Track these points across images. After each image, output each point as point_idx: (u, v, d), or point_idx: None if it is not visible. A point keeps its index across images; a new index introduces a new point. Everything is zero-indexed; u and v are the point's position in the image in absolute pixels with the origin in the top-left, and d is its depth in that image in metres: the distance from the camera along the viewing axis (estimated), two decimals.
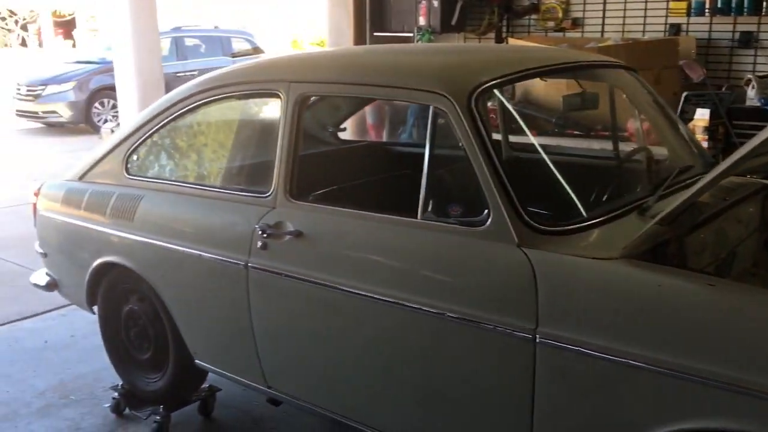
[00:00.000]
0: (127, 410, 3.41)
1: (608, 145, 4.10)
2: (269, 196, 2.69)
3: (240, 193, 2.82)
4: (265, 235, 2.63)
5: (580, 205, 2.30)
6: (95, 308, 3.51)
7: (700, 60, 5.59)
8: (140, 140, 3.24)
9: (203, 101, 3.00)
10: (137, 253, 3.09)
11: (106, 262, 3.24)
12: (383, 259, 2.38)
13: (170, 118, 3.12)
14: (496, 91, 2.37)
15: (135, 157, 3.29)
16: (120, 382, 3.48)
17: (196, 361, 3.08)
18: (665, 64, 5.30)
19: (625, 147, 3.46)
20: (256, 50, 15.02)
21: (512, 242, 2.11)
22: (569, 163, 2.77)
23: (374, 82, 2.48)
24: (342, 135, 4.00)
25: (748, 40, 5.35)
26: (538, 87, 4.70)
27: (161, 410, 3.23)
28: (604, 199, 2.41)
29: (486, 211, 2.18)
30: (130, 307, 3.32)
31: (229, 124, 3.24)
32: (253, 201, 2.75)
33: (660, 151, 2.90)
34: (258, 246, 2.65)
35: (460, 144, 2.24)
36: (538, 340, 1.98)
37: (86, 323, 4.39)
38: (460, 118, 2.23)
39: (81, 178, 3.48)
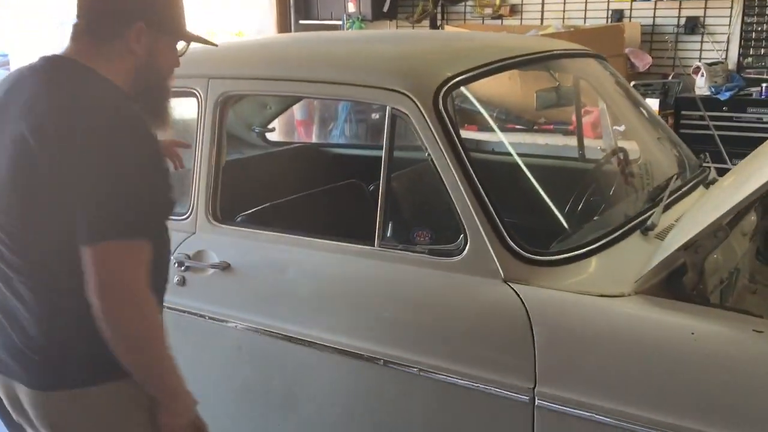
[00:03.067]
0: None
1: (572, 143, 3.76)
2: (186, 218, 2.19)
3: None
4: (182, 268, 2.13)
5: (570, 225, 1.90)
6: None
7: (644, 47, 5.34)
8: None
9: None
10: None
11: None
12: (333, 297, 1.92)
13: None
14: (463, 89, 1.95)
15: None
16: None
17: None
18: (611, 53, 4.99)
19: (593, 145, 3.12)
20: None
21: (496, 276, 1.70)
22: (539, 168, 2.36)
23: (315, 78, 2.00)
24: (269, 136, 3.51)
25: (694, 26, 5.12)
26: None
27: None
28: (594, 215, 2.02)
29: (461, 236, 1.75)
30: None
31: None
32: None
33: (631, 147, 2.55)
34: (175, 281, 2.15)
35: (427, 154, 1.81)
36: (537, 403, 1.57)
37: None
38: (426, 121, 1.80)
39: None
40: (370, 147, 4.63)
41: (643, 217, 1.90)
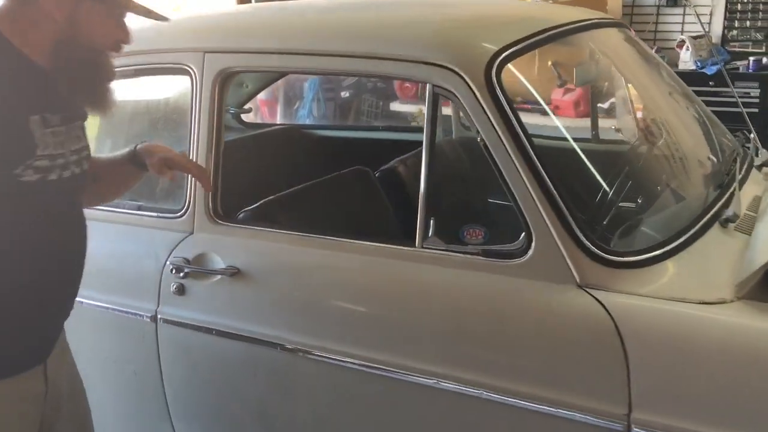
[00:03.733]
0: None
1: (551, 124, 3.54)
2: (182, 216, 1.89)
3: (141, 213, 1.97)
4: (181, 275, 1.83)
5: (646, 221, 1.67)
6: None
7: (625, 20, 5.17)
8: None
9: None
10: None
11: None
12: (367, 307, 1.65)
13: None
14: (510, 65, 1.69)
15: None
16: None
17: None
18: None
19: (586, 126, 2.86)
20: None
21: (569, 280, 1.46)
22: (585, 152, 2.08)
23: (338, 51, 1.70)
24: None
25: None
26: None
27: None
28: (654, 205, 1.80)
29: (524, 234, 1.50)
30: None
31: (121, 115, 2.30)
32: (159, 224, 1.92)
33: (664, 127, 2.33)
34: (172, 290, 1.84)
35: (479, 138, 1.55)
36: None
37: None
38: (478, 100, 1.53)
39: None
40: (358, 128, 4.35)
41: (718, 206, 1.69)
